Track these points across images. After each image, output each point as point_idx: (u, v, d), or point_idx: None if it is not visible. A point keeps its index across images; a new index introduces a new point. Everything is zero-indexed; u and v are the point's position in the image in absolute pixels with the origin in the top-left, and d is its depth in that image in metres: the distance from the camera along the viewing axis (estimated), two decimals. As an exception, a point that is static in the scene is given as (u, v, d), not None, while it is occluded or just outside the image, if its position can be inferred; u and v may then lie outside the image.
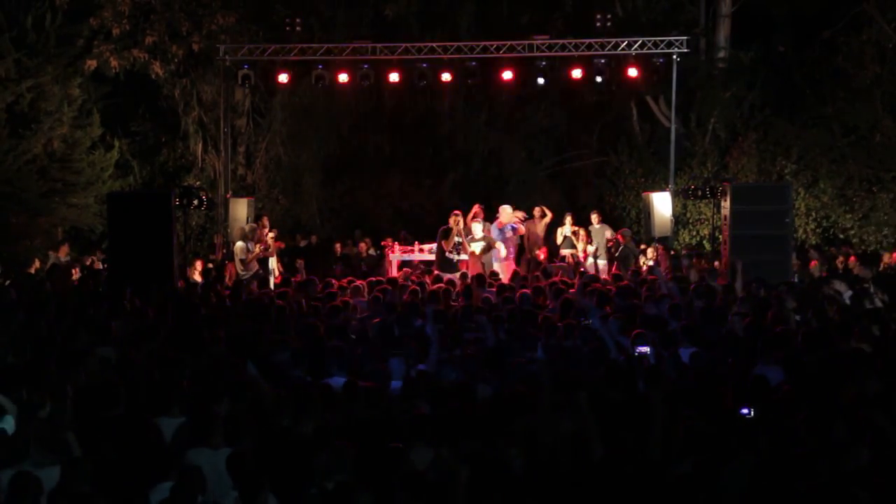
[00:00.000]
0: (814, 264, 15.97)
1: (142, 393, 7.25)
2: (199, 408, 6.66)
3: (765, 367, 8.08)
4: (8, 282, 13.85)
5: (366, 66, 18.09)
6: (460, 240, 14.89)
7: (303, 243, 20.34)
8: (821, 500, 5.19)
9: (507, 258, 15.81)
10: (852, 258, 16.64)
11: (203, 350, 8.72)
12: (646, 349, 8.19)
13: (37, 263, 16.31)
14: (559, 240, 17.62)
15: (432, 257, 16.16)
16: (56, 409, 6.80)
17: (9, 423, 6.70)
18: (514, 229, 16.24)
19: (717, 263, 15.09)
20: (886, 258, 16.62)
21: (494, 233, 15.82)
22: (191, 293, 12.47)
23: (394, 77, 18.14)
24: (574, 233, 17.38)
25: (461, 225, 15.01)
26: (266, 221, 16.77)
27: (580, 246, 17.17)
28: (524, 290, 11.36)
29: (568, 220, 17.66)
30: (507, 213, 16.37)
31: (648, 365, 7.82)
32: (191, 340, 9.04)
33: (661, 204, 17.61)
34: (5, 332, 9.36)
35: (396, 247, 17.35)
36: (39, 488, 5.41)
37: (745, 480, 5.51)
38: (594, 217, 17.66)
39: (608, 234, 17.16)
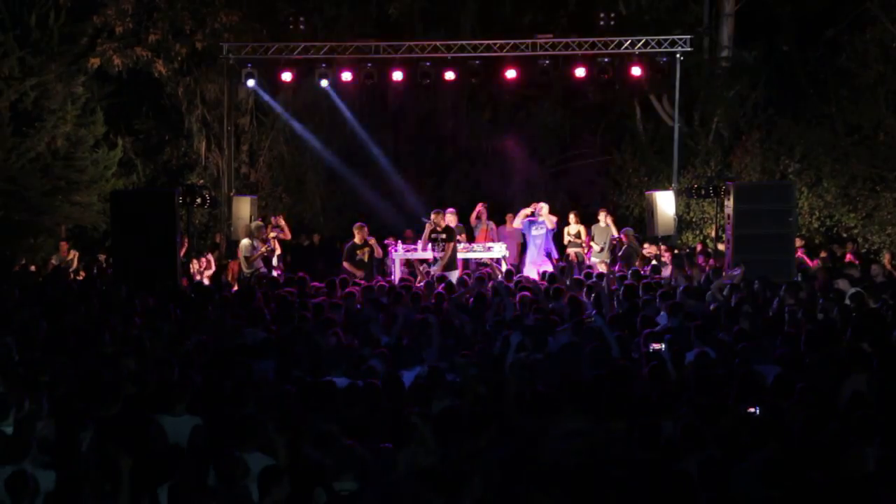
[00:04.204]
0: (816, 263, 15.95)
1: (146, 391, 7.25)
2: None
3: (765, 365, 8.06)
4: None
5: (369, 64, 18.08)
6: (435, 236, 15.01)
7: (305, 242, 20.32)
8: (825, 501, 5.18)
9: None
10: (848, 256, 16.69)
11: (208, 349, 8.71)
12: (660, 346, 8.18)
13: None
14: (565, 239, 17.59)
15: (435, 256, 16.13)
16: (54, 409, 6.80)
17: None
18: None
19: (719, 261, 15.05)
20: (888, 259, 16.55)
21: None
22: (195, 291, 12.48)
23: (397, 76, 18.12)
24: (577, 232, 17.35)
25: (442, 223, 15.12)
26: (280, 220, 16.73)
27: (586, 247, 17.13)
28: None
29: (572, 218, 17.62)
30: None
31: (657, 363, 7.80)
32: (195, 338, 9.04)
33: (665, 203, 17.60)
34: (8, 331, 9.36)
35: (399, 245, 17.30)
36: (36, 489, 5.40)
37: (755, 479, 5.49)
38: (602, 215, 17.35)
39: (613, 232, 17.00)
